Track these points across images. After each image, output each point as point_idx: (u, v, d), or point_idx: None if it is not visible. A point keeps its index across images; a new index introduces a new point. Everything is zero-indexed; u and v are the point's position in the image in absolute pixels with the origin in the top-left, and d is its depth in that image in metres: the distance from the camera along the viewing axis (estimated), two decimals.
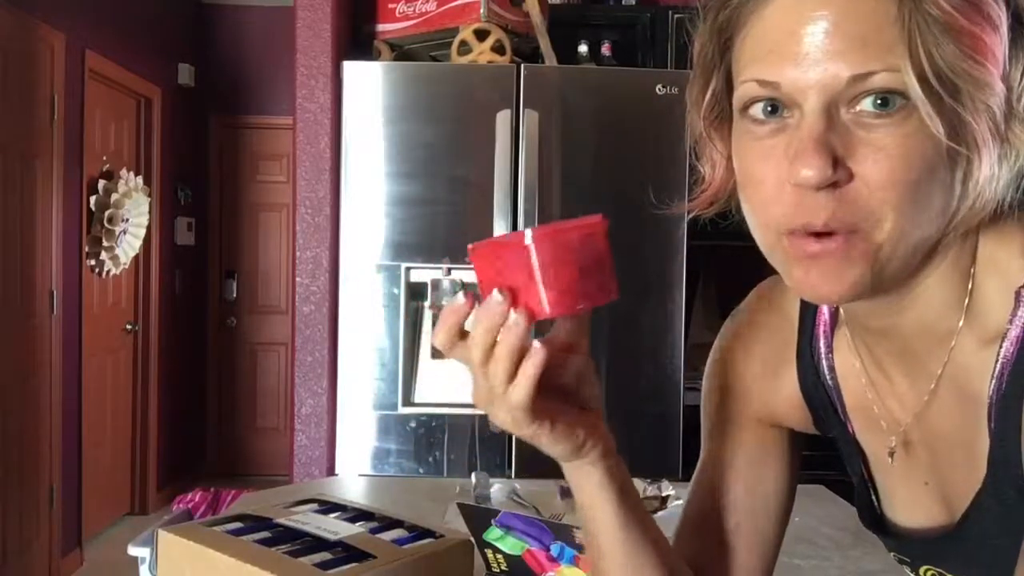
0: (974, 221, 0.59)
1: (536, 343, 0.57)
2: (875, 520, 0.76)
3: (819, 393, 0.76)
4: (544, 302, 0.56)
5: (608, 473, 0.67)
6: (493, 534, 1.22)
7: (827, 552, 1.47)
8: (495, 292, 0.57)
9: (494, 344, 0.58)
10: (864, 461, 0.76)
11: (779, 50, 0.57)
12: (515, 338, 0.57)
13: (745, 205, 0.63)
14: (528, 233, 0.56)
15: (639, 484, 1.78)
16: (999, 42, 0.56)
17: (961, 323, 0.63)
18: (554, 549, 1.17)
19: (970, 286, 0.62)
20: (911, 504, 0.72)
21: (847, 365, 0.73)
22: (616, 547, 0.69)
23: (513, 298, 0.57)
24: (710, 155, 0.67)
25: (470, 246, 0.59)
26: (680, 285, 2.62)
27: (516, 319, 0.57)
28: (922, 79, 0.54)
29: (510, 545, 1.21)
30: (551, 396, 0.61)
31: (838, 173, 0.55)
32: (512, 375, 0.58)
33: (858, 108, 0.56)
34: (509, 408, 0.59)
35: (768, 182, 0.59)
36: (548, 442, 0.62)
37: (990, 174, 0.57)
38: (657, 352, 2.65)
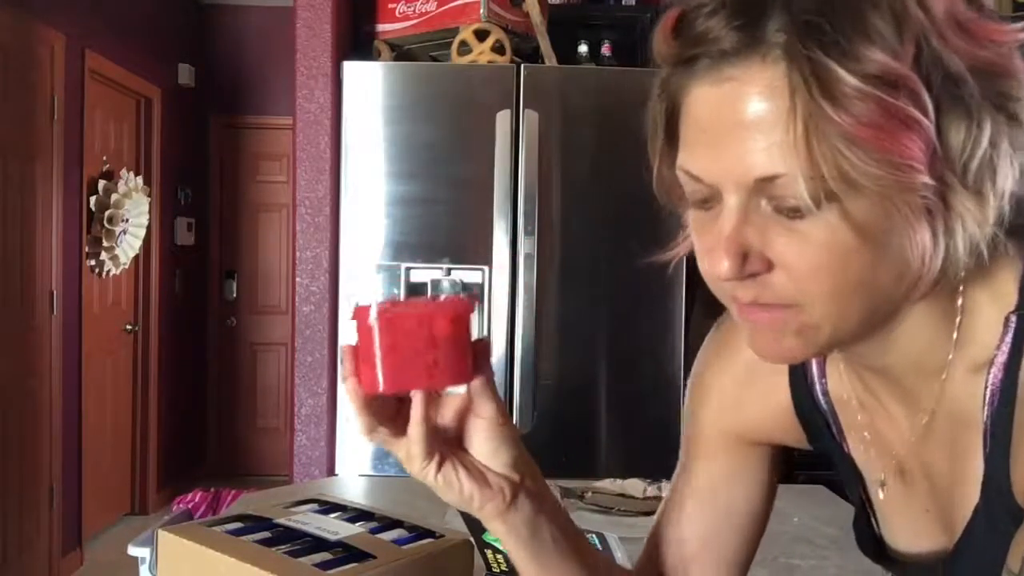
0: (928, 285, 0.57)
1: (416, 393, 0.63)
2: (874, 545, 0.75)
3: (813, 415, 0.75)
4: (377, 380, 0.61)
5: (511, 531, 0.70)
6: (493, 535, 1.22)
7: (826, 552, 1.47)
8: (341, 359, 0.65)
9: None
10: (862, 484, 0.75)
11: (698, 142, 0.57)
12: (352, 402, 0.63)
13: None
14: (373, 311, 0.60)
15: (638, 484, 1.78)
16: (919, 137, 0.52)
17: (951, 356, 0.62)
18: None
19: (959, 319, 0.61)
20: (911, 530, 0.71)
21: (841, 392, 0.73)
22: None
23: (359, 366, 0.62)
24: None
25: (355, 305, 0.63)
26: (680, 285, 2.62)
27: (349, 387, 0.63)
28: (822, 185, 0.52)
29: None
30: (468, 457, 0.68)
31: (751, 266, 0.55)
32: (370, 427, 0.64)
33: (777, 202, 0.55)
34: (407, 443, 0.65)
35: (706, 254, 0.59)
36: (434, 486, 0.67)
37: (931, 245, 0.55)
38: (657, 352, 2.65)
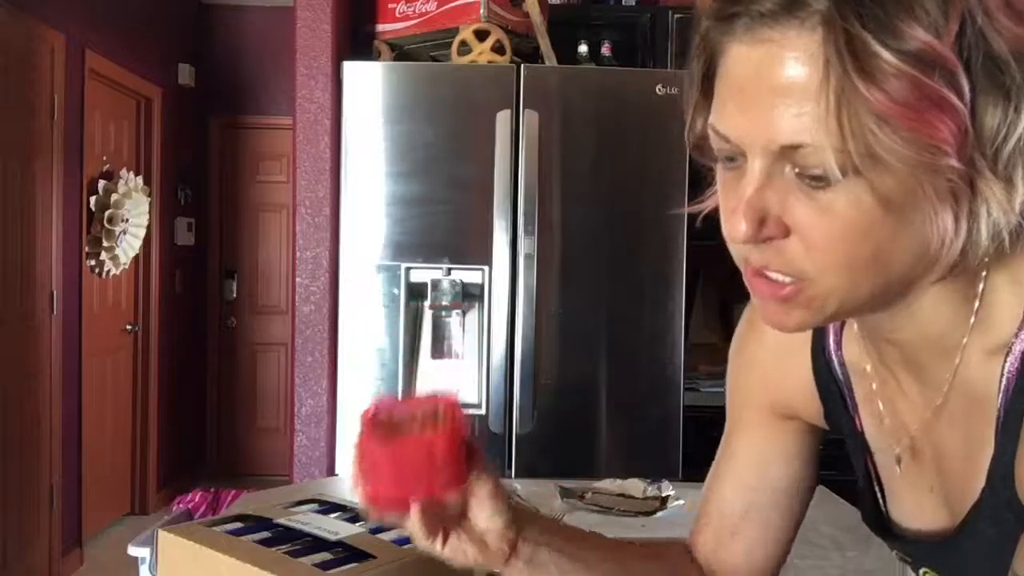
0: (945, 268, 0.57)
1: (413, 504, 0.70)
2: (879, 520, 0.76)
3: (830, 386, 0.76)
4: (384, 497, 0.69)
5: (515, 573, 0.74)
6: None
7: (826, 551, 1.47)
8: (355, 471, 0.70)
9: None
10: (871, 458, 0.75)
11: (730, 102, 0.57)
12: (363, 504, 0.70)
13: None
14: (375, 440, 0.68)
15: (638, 484, 1.78)
16: (951, 119, 0.51)
17: (967, 338, 0.62)
18: None
19: (977, 304, 0.61)
20: (916, 507, 0.71)
21: (857, 363, 0.73)
22: None
23: (367, 479, 0.69)
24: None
25: (361, 419, 0.69)
26: (680, 285, 2.62)
27: (360, 497, 0.69)
28: (849, 159, 0.51)
29: None
30: (469, 524, 0.72)
31: (768, 230, 0.56)
32: (378, 517, 0.71)
33: (801, 170, 0.54)
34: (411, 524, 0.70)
35: (728, 215, 0.60)
36: (441, 556, 0.72)
37: (953, 228, 0.54)
38: (657, 352, 2.65)
